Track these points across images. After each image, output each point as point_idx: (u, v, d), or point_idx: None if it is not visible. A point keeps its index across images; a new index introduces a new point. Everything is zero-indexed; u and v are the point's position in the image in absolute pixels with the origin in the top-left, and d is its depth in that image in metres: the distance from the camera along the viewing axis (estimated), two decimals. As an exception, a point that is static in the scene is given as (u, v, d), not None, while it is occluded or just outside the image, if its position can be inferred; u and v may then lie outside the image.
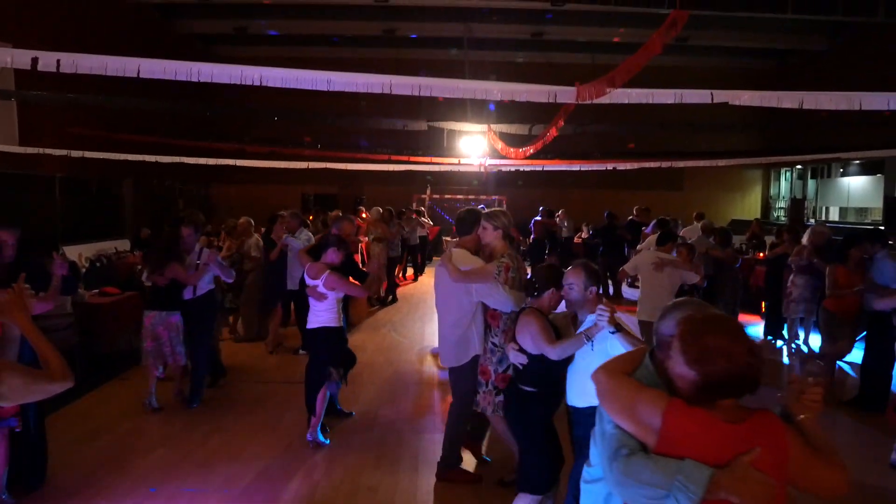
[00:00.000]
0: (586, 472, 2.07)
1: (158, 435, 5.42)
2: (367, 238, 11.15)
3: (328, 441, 5.26)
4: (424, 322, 10.24)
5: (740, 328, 1.78)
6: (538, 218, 12.13)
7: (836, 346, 6.58)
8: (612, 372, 1.93)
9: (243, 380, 7.03)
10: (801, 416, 1.80)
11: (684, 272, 6.40)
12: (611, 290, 12.37)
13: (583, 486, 2.11)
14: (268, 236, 8.28)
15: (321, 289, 5.06)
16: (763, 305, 9.56)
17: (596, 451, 1.93)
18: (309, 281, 5.14)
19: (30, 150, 9.65)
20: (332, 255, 5.16)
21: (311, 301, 5.18)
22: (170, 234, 6.14)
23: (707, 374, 1.69)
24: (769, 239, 11.13)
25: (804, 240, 7.80)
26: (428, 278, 14.92)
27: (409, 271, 15.02)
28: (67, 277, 4.77)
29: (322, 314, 5.15)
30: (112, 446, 5.12)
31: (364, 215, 12.60)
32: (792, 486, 1.77)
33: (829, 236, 7.78)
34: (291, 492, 4.45)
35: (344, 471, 4.80)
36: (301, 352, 7.88)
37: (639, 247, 10.43)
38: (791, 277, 7.87)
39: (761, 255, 11.04)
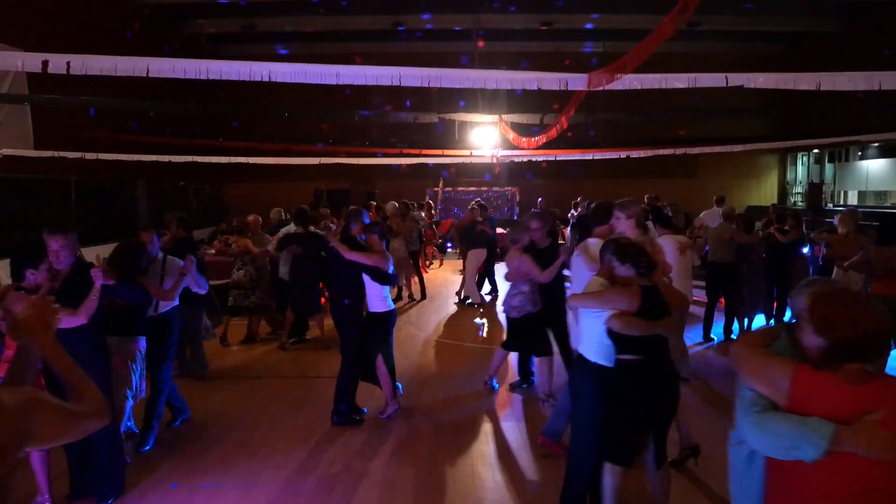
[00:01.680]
0: (731, 436, 2.29)
1: (176, 432, 5.45)
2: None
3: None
4: (440, 314, 10.24)
5: (864, 300, 2.01)
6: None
7: None
8: (747, 344, 2.21)
9: (260, 375, 7.06)
10: None
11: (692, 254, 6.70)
12: None
13: (729, 449, 2.31)
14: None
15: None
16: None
17: (739, 416, 2.15)
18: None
19: (44, 153, 9.74)
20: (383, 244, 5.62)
21: (377, 287, 5.55)
22: (130, 243, 5.09)
23: (834, 341, 1.92)
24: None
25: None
26: (441, 272, 14.90)
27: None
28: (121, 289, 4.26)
29: (386, 298, 5.63)
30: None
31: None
32: None
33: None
34: (310, 486, 4.46)
35: (362, 465, 4.80)
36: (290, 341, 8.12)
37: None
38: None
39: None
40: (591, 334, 3.73)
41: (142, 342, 4.84)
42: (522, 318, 5.88)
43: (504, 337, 6.42)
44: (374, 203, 12.84)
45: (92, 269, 4.02)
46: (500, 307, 6.58)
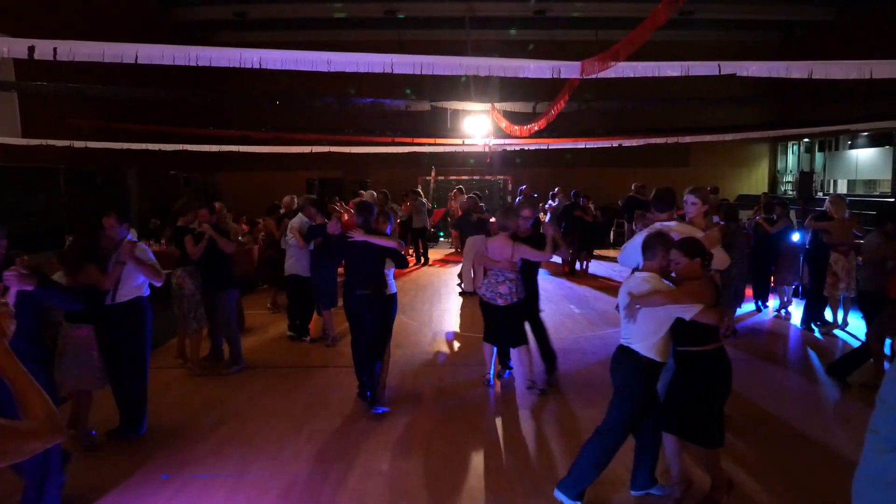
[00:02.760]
0: (875, 441, 1.93)
1: (170, 422, 5.43)
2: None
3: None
4: (433, 304, 10.24)
5: None
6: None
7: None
8: None
9: (254, 365, 7.03)
10: None
11: None
12: (577, 266, 13.25)
13: (872, 456, 1.95)
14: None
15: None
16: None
17: (890, 420, 1.82)
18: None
19: (32, 141, 9.62)
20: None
21: (390, 272, 5.88)
22: (90, 228, 4.96)
23: None
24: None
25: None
26: (434, 263, 14.87)
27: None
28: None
29: (393, 283, 5.93)
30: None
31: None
32: None
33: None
34: (303, 476, 4.46)
35: (356, 454, 4.80)
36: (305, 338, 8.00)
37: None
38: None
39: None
40: (651, 331, 3.73)
41: (84, 330, 4.70)
42: (509, 306, 5.80)
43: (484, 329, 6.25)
44: (362, 193, 12.75)
45: (5, 271, 3.47)
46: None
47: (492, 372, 6.35)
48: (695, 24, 17.03)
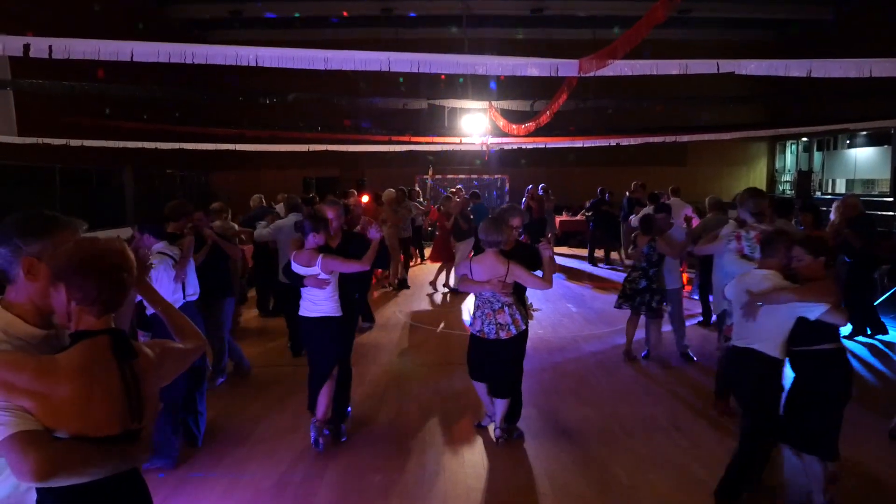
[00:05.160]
0: None
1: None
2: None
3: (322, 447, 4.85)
4: (428, 302, 10.22)
5: None
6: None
7: None
8: None
9: (250, 365, 7.00)
10: None
11: None
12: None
13: None
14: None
15: (322, 276, 4.67)
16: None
17: None
18: (301, 270, 4.71)
19: (28, 140, 9.58)
20: (312, 240, 4.69)
21: (308, 290, 4.77)
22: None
23: None
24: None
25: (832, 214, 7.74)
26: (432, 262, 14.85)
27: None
28: None
29: (323, 303, 4.76)
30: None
31: (351, 199, 12.34)
32: None
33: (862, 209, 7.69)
34: (299, 474, 4.44)
35: (351, 453, 4.78)
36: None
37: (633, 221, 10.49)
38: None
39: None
40: (772, 329, 3.64)
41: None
42: (513, 338, 4.76)
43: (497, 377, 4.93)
44: (353, 191, 12.57)
45: None
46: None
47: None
48: (693, 23, 17.02)
